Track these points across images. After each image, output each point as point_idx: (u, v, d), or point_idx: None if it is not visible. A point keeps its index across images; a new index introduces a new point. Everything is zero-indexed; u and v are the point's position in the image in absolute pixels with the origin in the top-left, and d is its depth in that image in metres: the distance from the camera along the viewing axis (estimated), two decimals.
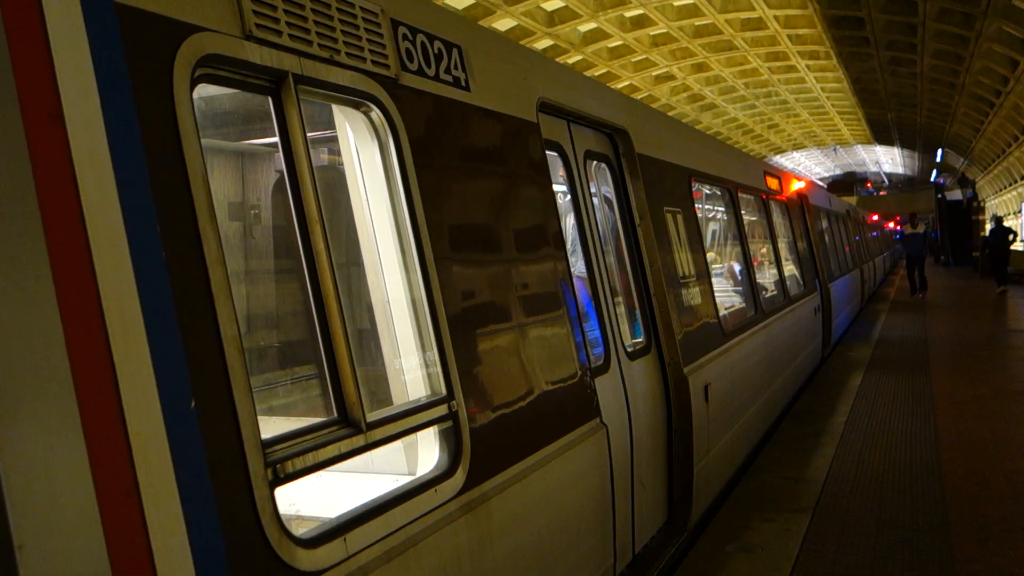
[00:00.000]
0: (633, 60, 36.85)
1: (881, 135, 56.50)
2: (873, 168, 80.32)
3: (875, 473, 7.10)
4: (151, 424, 1.90)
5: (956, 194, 46.49)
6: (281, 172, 2.62)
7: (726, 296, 8.19)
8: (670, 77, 40.13)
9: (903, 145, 59.08)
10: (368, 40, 2.96)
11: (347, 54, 2.84)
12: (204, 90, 2.55)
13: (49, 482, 1.70)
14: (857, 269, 20.18)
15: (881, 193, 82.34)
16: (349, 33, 2.87)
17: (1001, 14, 23.66)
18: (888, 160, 73.79)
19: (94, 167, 1.92)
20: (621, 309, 5.11)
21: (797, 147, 65.02)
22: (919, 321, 18.49)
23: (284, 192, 2.59)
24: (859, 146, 66.18)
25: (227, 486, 2.07)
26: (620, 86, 37.98)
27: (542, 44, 32.40)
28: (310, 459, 2.34)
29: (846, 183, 78.43)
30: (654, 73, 38.91)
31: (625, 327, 5.09)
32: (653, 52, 35.94)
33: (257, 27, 2.46)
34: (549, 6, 30.47)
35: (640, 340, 5.28)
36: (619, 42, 34.41)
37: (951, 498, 6.35)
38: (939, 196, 47.39)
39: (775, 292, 9.82)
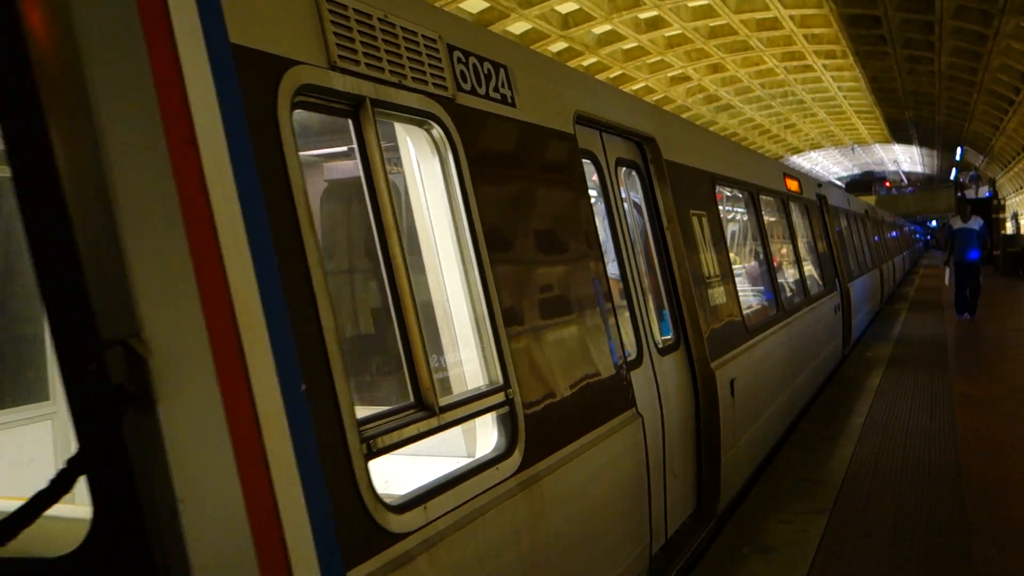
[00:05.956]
0: (648, 62, 37.19)
1: (899, 134, 56.61)
2: (892, 167, 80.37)
3: (893, 474, 7.12)
4: (273, 403, 2.27)
5: (975, 192, 46.62)
6: (361, 185, 2.98)
7: (749, 295, 8.52)
8: (686, 78, 40.45)
9: (922, 144, 59.18)
10: (429, 65, 3.33)
11: (412, 78, 3.21)
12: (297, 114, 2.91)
13: (200, 449, 2.07)
14: (876, 269, 20.45)
15: (907, 190, 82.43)
16: (414, 59, 3.24)
17: (1019, 11, 23.80)
18: (907, 159, 73.82)
19: (221, 183, 2.28)
20: (651, 307, 5.46)
21: (815, 147, 65.17)
22: (938, 320, 18.57)
23: (364, 203, 2.96)
24: (877, 145, 66.28)
25: (332, 457, 2.44)
26: (635, 88, 38.32)
27: (556, 47, 32.76)
28: (395, 437, 2.71)
29: (864, 182, 78.68)
30: (669, 74, 39.23)
31: (655, 324, 5.44)
32: (668, 53, 36.25)
33: (340, 58, 2.84)
34: (563, 9, 30.79)
35: (669, 337, 5.63)
36: (634, 44, 34.74)
37: (970, 500, 6.34)
38: (959, 195, 47.49)
39: (796, 291, 10.16)
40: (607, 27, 32.54)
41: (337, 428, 2.48)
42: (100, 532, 2.04)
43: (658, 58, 36.77)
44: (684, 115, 39.39)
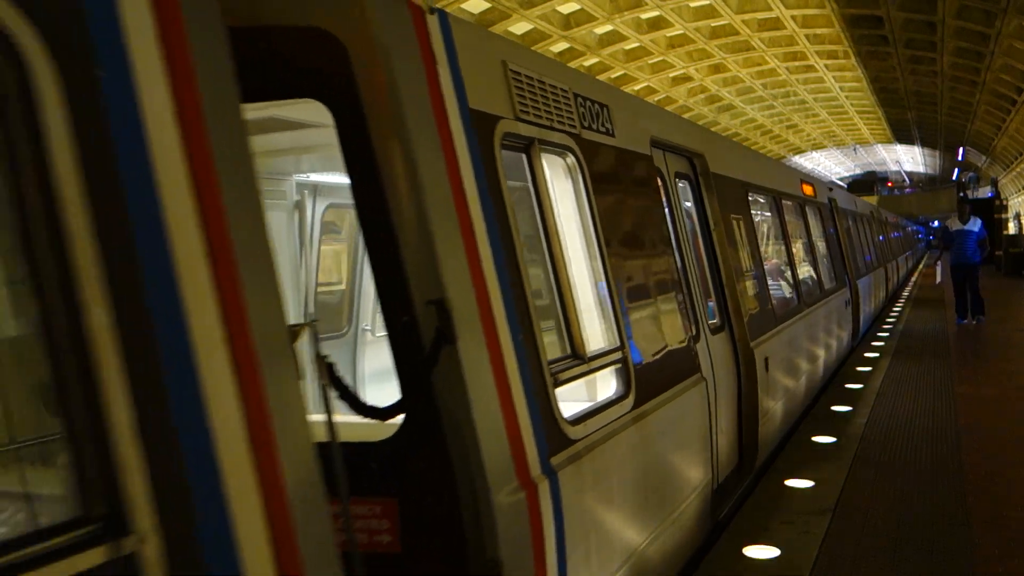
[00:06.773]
0: (650, 62, 38.59)
1: (901, 134, 58.39)
2: (894, 167, 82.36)
3: (895, 472, 7.47)
4: (507, 345, 3.67)
5: (973, 193, 48.27)
6: (531, 201, 4.38)
7: (776, 288, 9.97)
8: (687, 79, 41.93)
9: (924, 144, 60.98)
10: (566, 111, 4.74)
11: (557, 121, 4.62)
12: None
13: (478, 370, 3.47)
14: (881, 267, 22.07)
15: (909, 190, 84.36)
16: (558, 107, 4.65)
17: (1022, 10, 24.95)
18: (909, 159, 75.71)
19: (473, 204, 3.68)
20: (702, 295, 6.91)
21: (816, 147, 66.92)
22: (940, 318, 19.61)
23: (533, 213, 4.37)
24: (879, 145, 68.11)
25: (537, 383, 3.83)
26: (637, 88, 39.73)
27: (558, 47, 34.01)
28: (566, 375, 4.12)
29: (867, 183, 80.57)
30: (671, 75, 40.68)
31: (706, 309, 6.88)
32: (670, 54, 37.65)
33: (520, 111, 4.24)
34: (565, 9, 31.97)
35: (715, 321, 7.07)
36: (635, 44, 36.06)
37: (973, 499, 6.60)
38: (961, 195, 49.26)
39: (813, 286, 11.68)
40: (608, 27, 33.73)
41: (538, 365, 3.88)
42: (411, 422, 3.42)
43: (660, 58, 38.16)
44: (686, 115, 40.84)
